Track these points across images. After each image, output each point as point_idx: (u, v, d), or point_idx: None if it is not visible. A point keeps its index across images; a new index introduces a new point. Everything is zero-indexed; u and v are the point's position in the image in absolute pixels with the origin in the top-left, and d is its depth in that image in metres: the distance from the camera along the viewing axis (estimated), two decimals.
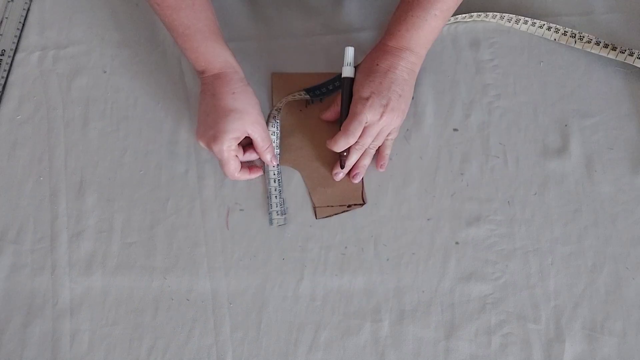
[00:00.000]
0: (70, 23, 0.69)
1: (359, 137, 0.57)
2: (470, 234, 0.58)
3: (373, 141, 0.58)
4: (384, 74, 0.56)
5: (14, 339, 0.55)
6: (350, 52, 0.59)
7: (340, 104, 0.59)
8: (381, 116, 0.55)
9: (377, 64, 0.57)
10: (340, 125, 0.57)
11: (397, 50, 0.57)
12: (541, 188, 0.59)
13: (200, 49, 0.57)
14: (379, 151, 0.60)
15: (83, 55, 0.67)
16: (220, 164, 0.56)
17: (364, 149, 0.58)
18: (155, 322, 0.56)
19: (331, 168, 0.60)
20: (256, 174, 0.59)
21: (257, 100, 0.57)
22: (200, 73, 0.58)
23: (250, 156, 0.59)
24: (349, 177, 0.60)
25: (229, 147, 0.55)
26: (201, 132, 0.56)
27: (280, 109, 0.62)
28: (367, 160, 0.60)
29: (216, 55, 0.57)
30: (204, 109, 0.56)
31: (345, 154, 0.58)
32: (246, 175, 0.58)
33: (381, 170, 0.60)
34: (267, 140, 0.58)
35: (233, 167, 0.56)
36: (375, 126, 0.56)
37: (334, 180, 0.60)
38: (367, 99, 0.55)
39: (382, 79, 0.56)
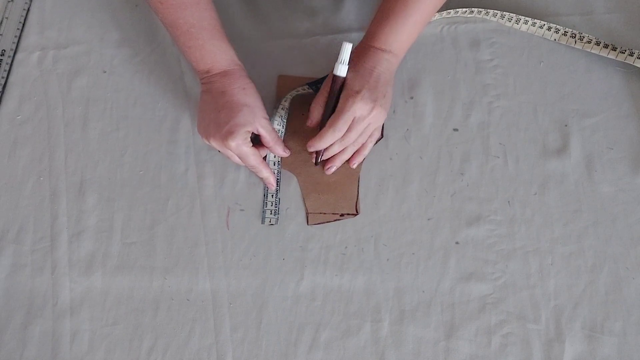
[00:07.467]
0: (70, 23, 0.69)
1: (346, 132, 0.55)
2: (470, 234, 0.58)
3: (357, 138, 0.57)
4: (370, 73, 0.56)
5: (14, 338, 0.55)
6: (348, 48, 0.55)
7: (319, 103, 0.57)
8: (371, 110, 0.54)
9: (362, 64, 0.56)
10: (324, 124, 0.56)
11: (379, 51, 0.56)
12: (541, 188, 0.59)
13: (206, 47, 0.56)
14: (357, 150, 0.59)
15: (83, 55, 0.67)
16: (242, 159, 0.56)
17: (347, 144, 0.57)
18: (155, 322, 0.56)
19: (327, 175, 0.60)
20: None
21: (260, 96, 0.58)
22: (204, 72, 0.57)
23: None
24: (323, 167, 0.59)
25: (245, 140, 0.54)
26: (212, 130, 0.55)
27: (286, 107, 0.62)
28: (345, 156, 0.59)
29: (223, 53, 0.57)
30: (213, 107, 0.56)
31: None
32: (267, 169, 0.58)
33: (352, 166, 0.59)
34: (275, 133, 0.58)
35: (254, 156, 0.56)
36: (363, 121, 0.55)
37: (329, 188, 0.59)
38: (359, 92, 0.54)
39: (369, 77, 0.55)
